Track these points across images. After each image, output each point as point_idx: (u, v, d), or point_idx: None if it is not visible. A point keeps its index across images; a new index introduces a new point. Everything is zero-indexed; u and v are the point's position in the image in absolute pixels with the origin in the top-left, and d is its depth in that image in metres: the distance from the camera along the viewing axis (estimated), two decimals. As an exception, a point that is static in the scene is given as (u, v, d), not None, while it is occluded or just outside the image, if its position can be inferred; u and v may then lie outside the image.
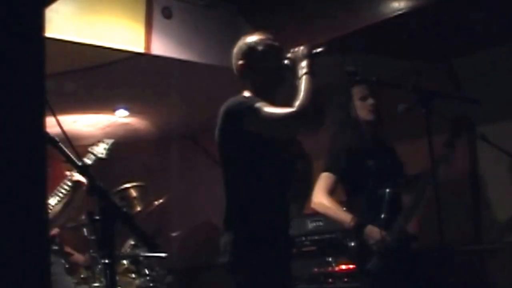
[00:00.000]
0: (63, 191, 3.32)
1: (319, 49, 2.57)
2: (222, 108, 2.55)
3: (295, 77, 2.53)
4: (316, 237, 4.72)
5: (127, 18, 4.45)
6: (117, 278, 4.00)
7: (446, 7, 4.02)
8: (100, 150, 3.68)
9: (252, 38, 2.70)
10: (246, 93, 2.65)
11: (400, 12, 4.04)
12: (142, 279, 4.88)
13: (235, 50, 2.71)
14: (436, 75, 4.85)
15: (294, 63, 2.56)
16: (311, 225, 4.76)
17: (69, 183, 3.41)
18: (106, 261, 1.96)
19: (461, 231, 4.58)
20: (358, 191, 3.49)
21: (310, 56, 2.54)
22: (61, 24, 4.08)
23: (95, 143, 3.77)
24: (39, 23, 1.28)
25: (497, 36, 4.48)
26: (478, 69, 4.71)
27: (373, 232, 3.29)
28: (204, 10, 4.79)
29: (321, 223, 4.71)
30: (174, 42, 4.66)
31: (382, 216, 3.32)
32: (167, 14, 4.60)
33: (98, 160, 3.65)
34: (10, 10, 1.21)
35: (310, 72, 2.50)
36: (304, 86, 2.45)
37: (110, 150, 3.70)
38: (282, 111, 2.41)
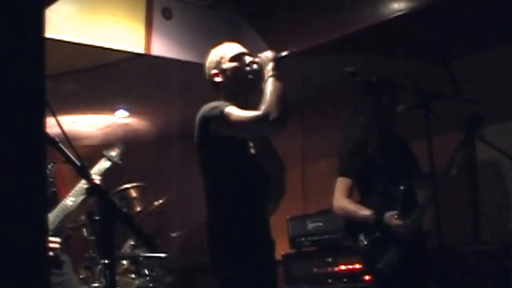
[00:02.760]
0: (78, 192, 3.26)
1: (284, 53, 2.64)
2: (197, 115, 2.68)
3: (262, 81, 2.64)
4: (316, 238, 4.73)
5: (127, 18, 4.45)
6: (117, 278, 4.00)
7: (445, 8, 4.02)
8: (115, 154, 3.65)
9: (221, 47, 2.84)
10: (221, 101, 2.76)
11: (399, 13, 4.04)
12: (142, 280, 4.88)
13: (207, 61, 2.84)
14: (436, 76, 4.85)
15: (261, 67, 2.66)
16: (310, 225, 4.77)
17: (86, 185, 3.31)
18: (106, 261, 1.97)
19: (460, 232, 4.58)
20: (372, 190, 3.51)
21: (275, 60, 2.63)
22: (61, 24, 4.08)
23: (109, 147, 3.71)
24: (39, 23, 1.28)
25: (497, 36, 4.48)
26: (478, 70, 4.71)
27: (392, 217, 3.32)
28: (204, 10, 4.80)
29: (320, 224, 4.71)
30: (174, 43, 4.67)
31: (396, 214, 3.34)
32: (167, 14, 4.61)
33: (114, 165, 3.62)
34: (10, 10, 1.21)
35: (275, 75, 2.59)
36: (269, 88, 2.55)
37: (123, 155, 3.69)
38: (249, 114, 2.54)
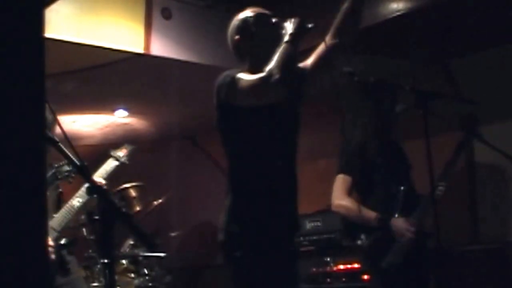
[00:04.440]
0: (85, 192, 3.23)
1: (310, 25, 2.52)
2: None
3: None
4: (314, 237, 4.73)
5: (127, 18, 4.45)
6: (116, 277, 4.01)
7: (444, 8, 4.03)
8: (122, 155, 3.62)
9: (245, 13, 2.68)
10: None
11: (398, 13, 4.05)
12: (141, 279, 4.89)
13: (230, 29, 2.69)
14: (434, 75, 4.86)
15: (283, 30, 2.52)
16: (309, 225, 4.77)
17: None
18: (105, 260, 1.97)
19: (460, 232, 4.59)
20: (373, 190, 3.50)
21: (299, 28, 2.49)
22: (61, 24, 4.09)
23: (117, 147, 3.68)
24: (39, 23, 1.28)
25: (496, 37, 4.49)
26: (476, 70, 4.71)
27: (399, 223, 3.30)
28: (204, 10, 4.80)
29: (319, 223, 4.71)
30: (173, 43, 4.67)
31: (396, 215, 3.33)
32: (166, 14, 4.61)
33: (121, 165, 3.59)
34: (10, 10, 1.22)
35: (291, 41, 2.44)
36: (280, 52, 2.41)
37: (131, 156, 3.66)
38: (255, 77, 2.42)
